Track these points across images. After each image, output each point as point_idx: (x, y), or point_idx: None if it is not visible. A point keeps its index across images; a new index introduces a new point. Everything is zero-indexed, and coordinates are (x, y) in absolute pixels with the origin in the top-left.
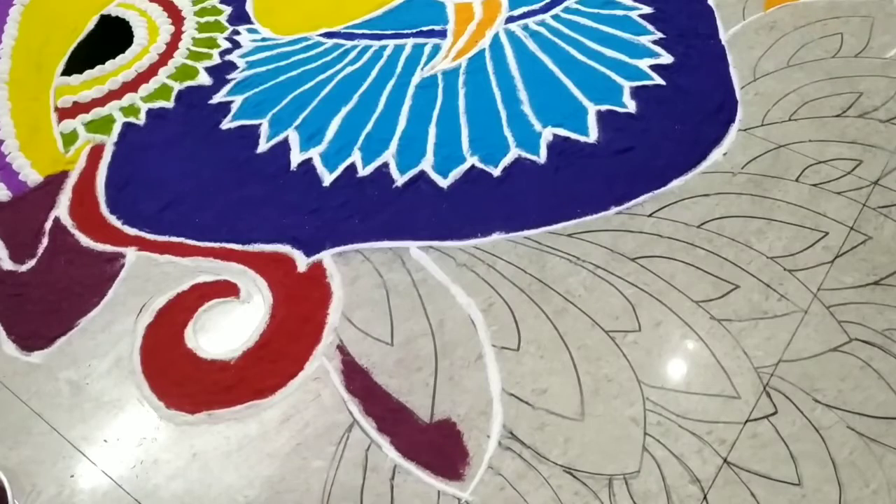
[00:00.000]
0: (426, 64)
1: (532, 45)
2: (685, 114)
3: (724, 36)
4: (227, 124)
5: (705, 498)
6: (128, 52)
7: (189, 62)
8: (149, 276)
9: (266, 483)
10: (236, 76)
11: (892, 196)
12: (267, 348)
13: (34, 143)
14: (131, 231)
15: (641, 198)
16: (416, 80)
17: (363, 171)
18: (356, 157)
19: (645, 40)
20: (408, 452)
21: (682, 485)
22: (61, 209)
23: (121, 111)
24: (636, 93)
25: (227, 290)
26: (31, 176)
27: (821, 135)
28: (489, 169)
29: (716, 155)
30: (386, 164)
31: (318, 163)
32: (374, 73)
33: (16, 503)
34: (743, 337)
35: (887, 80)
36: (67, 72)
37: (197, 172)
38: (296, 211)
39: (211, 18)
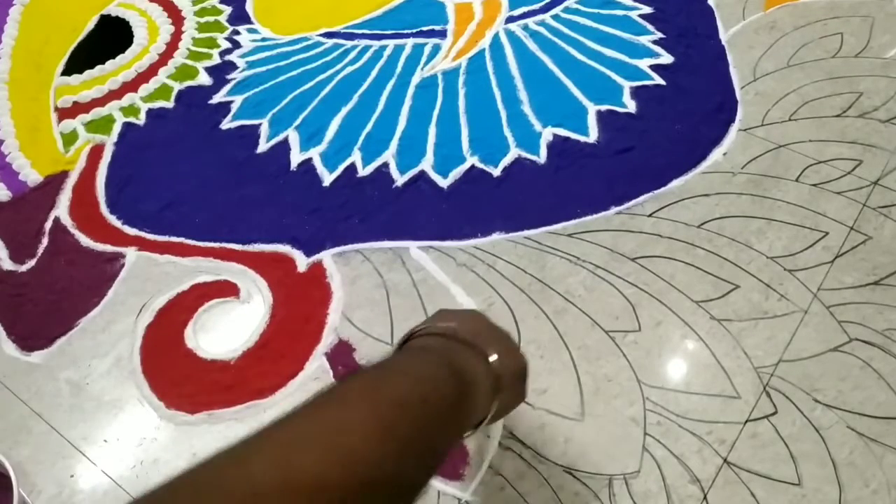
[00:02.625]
0: (426, 64)
1: (532, 45)
2: (685, 114)
3: (724, 36)
4: (227, 124)
5: (705, 498)
6: (128, 52)
7: (189, 62)
8: (149, 276)
9: None
10: (236, 76)
11: (892, 196)
12: (267, 348)
13: (34, 143)
14: (131, 231)
15: (641, 198)
16: (416, 80)
17: (363, 171)
18: (356, 157)
19: (645, 40)
20: None
21: (682, 485)
22: (61, 209)
23: (121, 111)
24: (636, 93)
25: (227, 290)
26: (31, 176)
27: (821, 135)
28: (489, 169)
29: (716, 155)
30: (386, 164)
31: (318, 163)
32: (374, 73)
33: (20, 491)
34: (743, 337)
35: (887, 80)
36: (67, 72)
37: (197, 172)
38: (296, 211)
39: (211, 18)
